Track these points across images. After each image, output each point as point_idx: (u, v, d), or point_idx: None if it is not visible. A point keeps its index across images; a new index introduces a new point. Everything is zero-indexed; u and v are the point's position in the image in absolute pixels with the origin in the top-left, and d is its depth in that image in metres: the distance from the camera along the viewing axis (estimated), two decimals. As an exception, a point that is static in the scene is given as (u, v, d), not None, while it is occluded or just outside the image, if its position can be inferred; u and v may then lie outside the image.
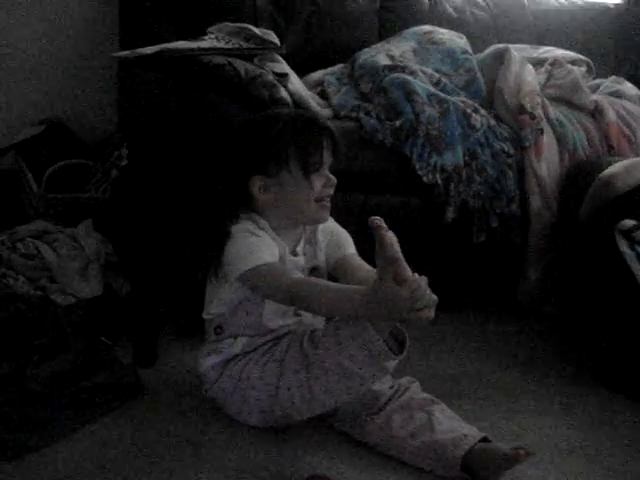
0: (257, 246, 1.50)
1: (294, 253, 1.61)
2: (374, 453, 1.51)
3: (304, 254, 1.63)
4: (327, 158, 1.57)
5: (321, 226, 1.66)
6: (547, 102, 2.36)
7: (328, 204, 1.59)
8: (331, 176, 1.57)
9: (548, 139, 2.26)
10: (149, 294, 2.03)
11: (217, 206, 1.58)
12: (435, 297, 1.33)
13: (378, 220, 1.31)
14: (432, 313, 1.33)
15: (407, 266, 1.30)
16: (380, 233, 1.29)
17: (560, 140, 2.29)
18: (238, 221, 1.54)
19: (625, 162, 2.03)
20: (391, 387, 1.57)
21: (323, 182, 1.56)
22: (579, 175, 2.19)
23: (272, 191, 1.55)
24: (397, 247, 1.30)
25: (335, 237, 1.67)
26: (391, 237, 1.30)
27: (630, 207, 1.89)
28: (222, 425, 1.58)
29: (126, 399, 1.64)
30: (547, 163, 2.23)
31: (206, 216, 1.62)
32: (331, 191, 1.58)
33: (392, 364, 1.43)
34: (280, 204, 1.56)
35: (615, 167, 2.01)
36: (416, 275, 1.31)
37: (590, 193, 2.02)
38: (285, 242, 1.58)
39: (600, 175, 2.01)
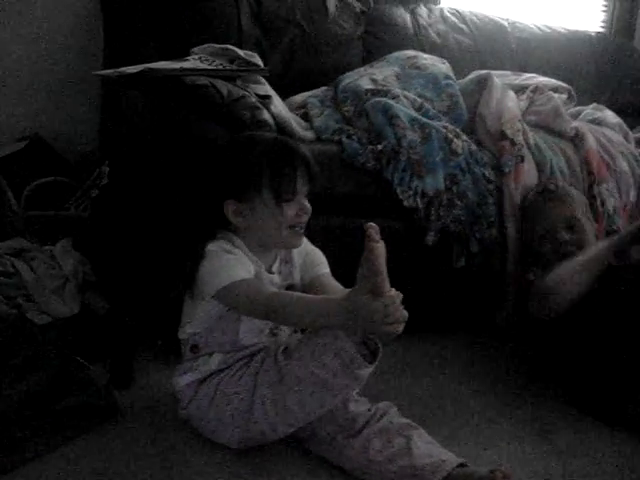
0: (232, 263, 1.51)
1: (269, 271, 1.62)
2: (352, 478, 1.49)
3: (279, 272, 1.64)
4: (301, 187, 1.56)
5: None
6: (527, 128, 2.38)
7: (301, 231, 1.60)
8: (306, 204, 1.57)
9: (528, 166, 2.27)
10: (126, 314, 2.01)
11: (193, 225, 1.59)
12: (406, 313, 1.34)
13: (373, 229, 1.31)
14: (400, 328, 1.34)
15: (387, 280, 1.32)
16: (370, 244, 1.30)
17: (539, 166, 2.31)
18: (214, 240, 1.55)
19: (560, 271, 1.93)
20: (369, 410, 1.56)
21: (296, 210, 1.56)
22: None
23: (244, 215, 1.56)
24: (383, 260, 1.31)
25: (310, 256, 1.69)
26: (380, 249, 1.30)
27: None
28: (198, 447, 1.56)
29: (102, 420, 1.62)
30: (524, 190, 2.24)
31: (182, 235, 1.63)
32: (304, 219, 1.58)
33: (365, 373, 1.43)
34: (252, 229, 1.57)
35: (551, 278, 1.93)
36: (393, 290, 1.33)
37: (535, 296, 1.97)
38: (261, 261, 1.59)
39: (537, 286, 1.97)
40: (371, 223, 1.32)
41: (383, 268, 1.31)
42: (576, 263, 1.90)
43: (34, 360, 1.70)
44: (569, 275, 1.88)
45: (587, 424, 1.82)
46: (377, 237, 1.30)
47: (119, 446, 1.55)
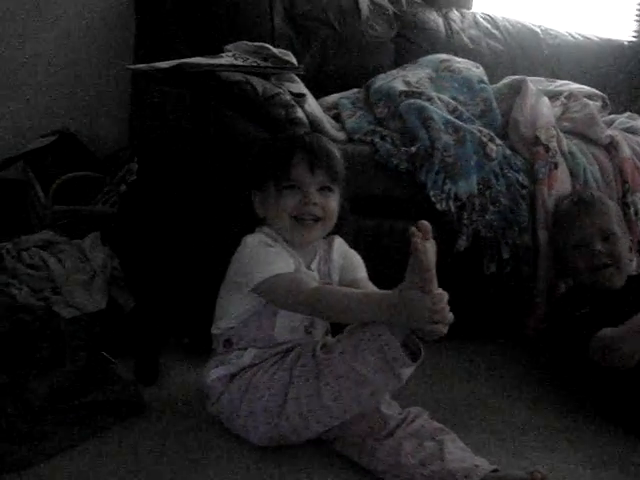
0: (272, 256, 1.50)
1: (308, 268, 1.60)
2: (380, 481, 1.47)
3: (318, 271, 1.62)
4: (303, 175, 1.55)
5: (336, 246, 1.66)
6: (561, 135, 2.35)
7: (309, 223, 1.57)
8: (310, 195, 1.55)
9: (562, 172, 2.24)
10: (153, 310, 2.00)
11: (229, 219, 1.62)
12: (452, 315, 1.35)
13: (424, 227, 1.31)
14: (445, 330, 1.35)
15: (435, 278, 1.32)
16: (415, 240, 1.29)
17: (573, 173, 2.28)
18: (253, 233, 1.56)
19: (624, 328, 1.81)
20: (400, 414, 1.54)
21: (297, 199, 1.55)
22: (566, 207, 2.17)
23: (263, 204, 1.59)
24: (432, 257, 1.31)
25: (348, 260, 1.67)
26: (429, 247, 1.31)
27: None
28: (224, 445, 1.54)
29: (126, 416, 1.60)
30: (558, 196, 2.21)
31: (217, 229, 1.67)
32: (310, 210, 1.56)
33: (406, 372, 1.42)
34: (268, 219, 1.59)
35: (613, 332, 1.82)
36: (441, 289, 1.33)
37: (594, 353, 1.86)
38: (300, 256, 1.58)
39: (596, 338, 1.85)
40: (423, 221, 1.33)
41: (432, 266, 1.31)
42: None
43: (60, 354, 1.70)
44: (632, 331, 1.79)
45: (617, 435, 1.79)
46: (428, 235, 1.31)
47: (143, 442, 1.53)
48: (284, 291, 1.47)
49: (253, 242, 1.53)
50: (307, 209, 1.56)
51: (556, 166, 2.23)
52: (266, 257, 1.49)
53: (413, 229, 1.30)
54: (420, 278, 1.30)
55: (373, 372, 1.40)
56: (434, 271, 1.32)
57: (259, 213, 1.60)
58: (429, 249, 1.31)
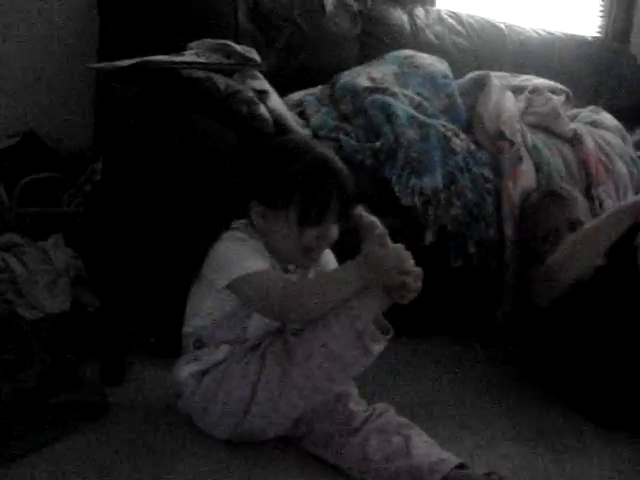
0: (248, 253, 1.49)
1: (286, 270, 1.58)
2: (348, 477, 1.47)
3: (295, 272, 1.60)
4: (331, 215, 1.51)
5: None
6: (526, 129, 2.36)
7: (316, 256, 1.57)
8: (329, 232, 1.53)
9: (526, 166, 2.26)
10: (118, 311, 1.98)
11: (206, 217, 1.62)
12: (420, 269, 1.43)
13: (361, 210, 1.44)
14: (418, 284, 1.43)
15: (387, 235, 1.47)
16: (359, 219, 1.48)
17: (537, 167, 2.29)
18: (229, 229, 1.55)
19: (567, 246, 1.96)
20: (365, 410, 1.54)
21: (315, 234, 1.52)
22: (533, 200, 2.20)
23: (266, 220, 1.53)
24: (378, 224, 1.48)
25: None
26: (371, 218, 1.49)
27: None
28: (190, 445, 1.53)
29: (92, 417, 1.59)
30: (522, 190, 2.22)
31: (186, 227, 1.65)
32: (322, 246, 1.56)
33: (377, 348, 1.44)
34: (270, 235, 1.54)
35: (558, 254, 1.95)
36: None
37: (537, 281, 1.99)
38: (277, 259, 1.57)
39: (546, 263, 1.96)
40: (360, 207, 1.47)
41: (379, 225, 1.48)
42: (579, 234, 1.94)
43: (24, 356, 1.68)
44: (571, 249, 1.92)
45: (585, 426, 1.81)
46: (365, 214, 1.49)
47: (109, 443, 1.52)
48: (257, 288, 1.45)
49: (227, 238, 1.52)
50: (322, 244, 1.55)
51: (521, 160, 2.24)
52: (241, 254, 1.48)
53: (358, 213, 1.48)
54: (376, 239, 1.45)
55: (343, 347, 1.41)
56: (384, 231, 1.47)
57: (256, 223, 1.54)
58: (372, 219, 1.50)
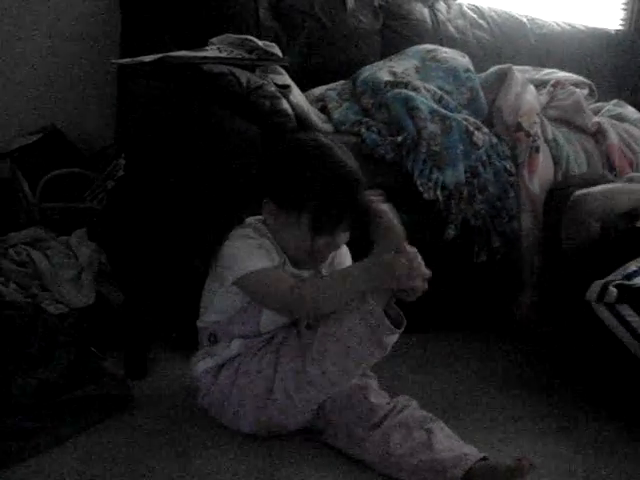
0: (255, 251, 1.48)
1: (297, 266, 1.57)
2: (370, 471, 1.46)
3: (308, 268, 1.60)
4: (344, 226, 1.51)
5: None
6: (546, 122, 2.35)
7: (324, 260, 1.58)
8: (338, 241, 1.53)
9: (544, 158, 2.25)
10: (141, 305, 2.00)
11: (220, 213, 1.61)
12: (428, 271, 1.43)
13: (376, 192, 1.42)
14: (425, 285, 1.42)
15: (404, 237, 1.45)
16: (373, 206, 1.42)
17: (555, 160, 2.28)
18: (241, 226, 1.55)
19: (605, 187, 2.01)
20: (388, 403, 1.53)
21: (326, 242, 1.52)
22: (559, 192, 2.17)
23: (277, 219, 1.52)
24: (393, 217, 1.45)
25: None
26: (386, 207, 1.45)
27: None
28: (213, 438, 1.54)
29: (115, 411, 1.60)
30: (540, 181, 2.21)
31: (208, 222, 1.65)
32: (330, 252, 1.57)
33: (390, 341, 1.45)
34: (279, 234, 1.53)
35: (593, 189, 1.99)
36: (410, 246, 1.44)
37: (566, 211, 2.00)
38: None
39: (576, 193, 1.99)
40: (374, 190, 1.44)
41: (395, 224, 1.44)
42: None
43: (49, 350, 1.70)
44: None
45: (609, 421, 1.79)
46: (383, 198, 1.45)
47: (132, 436, 1.53)
48: (259, 286, 1.47)
49: (237, 235, 1.52)
50: (330, 250, 1.56)
51: (537, 150, 2.22)
52: (249, 251, 1.48)
53: (369, 196, 1.42)
54: (390, 241, 1.42)
55: (358, 341, 1.42)
56: (400, 231, 1.45)
57: (267, 220, 1.54)
58: (389, 210, 1.46)
